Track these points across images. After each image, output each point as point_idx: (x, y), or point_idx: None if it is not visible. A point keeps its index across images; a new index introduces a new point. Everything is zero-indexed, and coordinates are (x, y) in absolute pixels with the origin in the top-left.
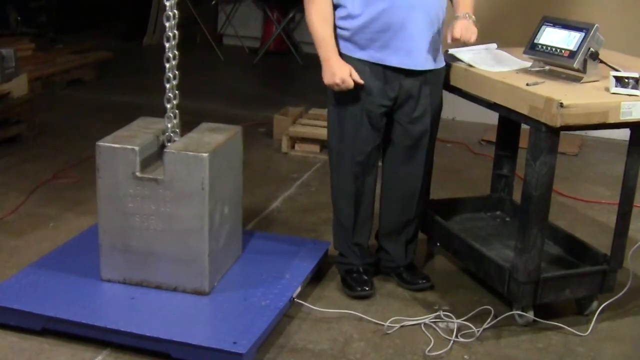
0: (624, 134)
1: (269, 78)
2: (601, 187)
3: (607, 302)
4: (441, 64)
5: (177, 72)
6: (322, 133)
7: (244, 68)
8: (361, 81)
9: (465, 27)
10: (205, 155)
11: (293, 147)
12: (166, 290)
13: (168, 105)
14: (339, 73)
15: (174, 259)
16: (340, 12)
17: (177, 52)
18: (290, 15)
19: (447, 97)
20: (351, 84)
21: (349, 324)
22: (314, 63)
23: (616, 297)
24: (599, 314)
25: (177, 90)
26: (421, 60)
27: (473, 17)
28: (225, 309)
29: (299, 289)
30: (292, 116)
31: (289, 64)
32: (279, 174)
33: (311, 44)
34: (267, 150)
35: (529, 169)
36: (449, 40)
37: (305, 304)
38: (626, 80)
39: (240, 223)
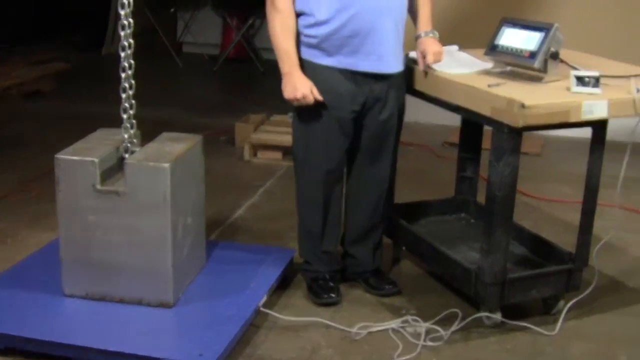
0: (586, 132)
1: (229, 85)
2: (565, 186)
3: (574, 301)
4: (403, 66)
5: (133, 82)
6: (285, 140)
7: (204, 76)
8: (320, 98)
9: (437, 52)
10: (166, 165)
11: (255, 154)
12: (130, 304)
13: (125, 116)
14: (300, 88)
15: (137, 271)
16: (305, 20)
17: (133, 62)
18: (250, 21)
19: (410, 100)
20: (311, 100)
21: (316, 331)
22: (275, 69)
23: (582, 295)
24: (565, 313)
25: (135, 99)
26: (390, 63)
27: (436, 33)
28: (190, 320)
29: (264, 298)
30: (253, 123)
31: (249, 70)
32: (242, 182)
33: (272, 50)
34: (229, 158)
35: (493, 170)
36: (422, 68)
37: (272, 312)
38: (587, 80)
39: (204, 233)
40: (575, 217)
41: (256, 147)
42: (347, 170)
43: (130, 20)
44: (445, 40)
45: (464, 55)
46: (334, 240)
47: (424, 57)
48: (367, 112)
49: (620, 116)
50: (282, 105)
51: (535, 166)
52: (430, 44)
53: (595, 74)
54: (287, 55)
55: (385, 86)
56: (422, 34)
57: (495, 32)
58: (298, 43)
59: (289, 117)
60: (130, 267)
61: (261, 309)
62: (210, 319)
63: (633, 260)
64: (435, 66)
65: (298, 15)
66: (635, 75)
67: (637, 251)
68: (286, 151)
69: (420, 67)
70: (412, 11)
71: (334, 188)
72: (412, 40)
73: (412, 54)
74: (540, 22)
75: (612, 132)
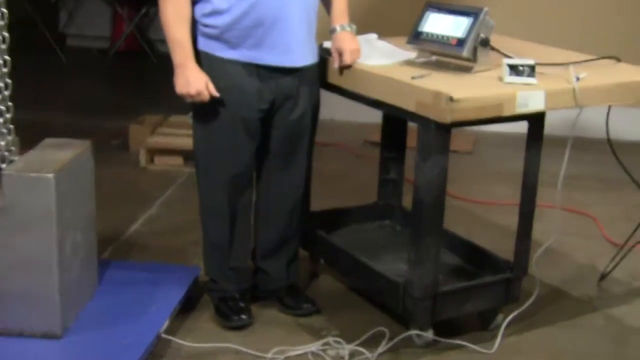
0: (522, 127)
1: (121, 83)
2: (500, 186)
3: (513, 314)
4: (317, 58)
5: (9, 81)
6: (186, 143)
7: (92, 72)
8: (217, 94)
9: (354, 50)
10: (50, 176)
11: (152, 160)
12: (10, 337)
13: (0, 120)
14: (194, 83)
15: (19, 297)
16: (203, 8)
17: (8, 58)
18: (143, 10)
19: (325, 95)
20: (206, 97)
21: (226, 358)
22: (172, 64)
23: (523, 307)
24: (505, 327)
25: (11, 101)
26: (299, 56)
27: (353, 26)
28: (81, 353)
29: (166, 323)
30: (149, 125)
31: (144, 65)
32: (138, 192)
33: None
34: (122, 165)
35: (419, 171)
36: (336, 66)
37: (175, 339)
38: (521, 68)
39: (95, 251)
40: (512, 221)
41: (153, 152)
42: (256, 176)
43: (4, 10)
44: (363, 28)
45: (384, 45)
46: (244, 254)
47: (340, 54)
48: (276, 110)
49: (559, 108)
50: (182, 104)
51: (466, 165)
52: (346, 40)
53: (530, 62)
54: (180, 45)
55: (296, 81)
56: (338, 28)
57: (419, 18)
58: (195, 33)
59: (189, 118)
60: (11, 293)
61: (163, 335)
62: (104, 349)
63: (577, 266)
64: None
65: (194, 2)
66: (575, 62)
67: (582, 256)
68: (187, 156)
69: (335, 65)
70: (326, 2)
71: (241, 196)
72: (326, 29)
73: (327, 44)
74: (468, 6)
75: (551, 125)
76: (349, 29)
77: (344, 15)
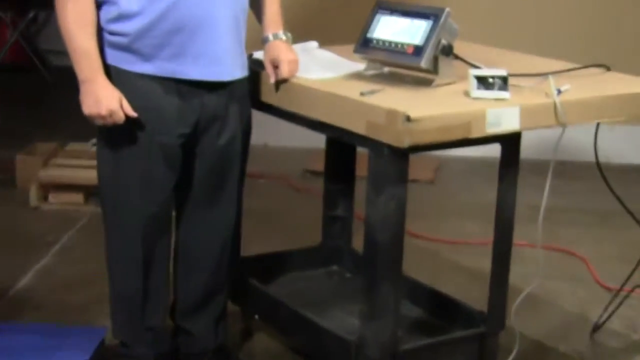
0: (493, 150)
1: (5, 103)
2: (468, 221)
3: None
4: (247, 71)
5: None
6: (87, 176)
7: None
8: (134, 114)
9: (292, 61)
10: None
11: (46, 198)
12: None
13: None
14: (105, 101)
15: None
16: (108, 12)
17: None
18: (31, 15)
19: (256, 116)
20: (121, 118)
21: None
22: (70, 79)
23: None
24: None
25: None
26: (228, 68)
27: (289, 35)
28: None
29: None
30: (42, 155)
31: (33, 81)
32: (28, 238)
33: (64, 52)
34: (8, 204)
35: (372, 206)
36: (272, 80)
37: None
38: (491, 80)
39: None
40: (485, 264)
41: (47, 188)
42: (176, 215)
43: None
44: (300, 35)
45: (326, 55)
46: (161, 311)
47: (275, 67)
48: (200, 135)
49: (538, 127)
50: (82, 128)
51: (428, 198)
52: (282, 50)
53: (502, 72)
54: (87, 56)
55: (224, 99)
56: (271, 37)
57: (368, 22)
58: (101, 44)
59: (91, 145)
60: None
61: None
62: None
63: (565, 316)
64: None
65: (98, 5)
66: (555, 72)
67: (570, 304)
68: (90, 192)
69: (271, 79)
70: (255, 6)
71: (158, 240)
72: (254, 37)
73: (258, 55)
74: (426, 6)
75: (528, 148)
76: (284, 37)
77: (277, 22)
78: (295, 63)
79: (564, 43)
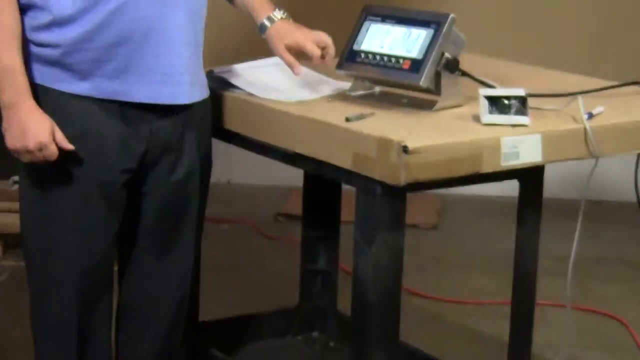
0: (509, 187)
1: None
2: (480, 276)
3: None
4: (207, 92)
5: None
6: (6, 222)
7: None
8: (70, 146)
9: (318, 40)
10: None
11: None
12: None
13: None
14: (33, 132)
15: None
16: (35, 19)
17: None
18: None
19: (218, 147)
20: (53, 153)
21: None
22: None
23: None
24: None
25: None
26: (184, 87)
27: (285, 12)
28: None
29: None
30: None
31: None
32: None
33: None
34: None
35: (361, 257)
36: (297, 72)
37: None
38: (506, 102)
39: None
40: (501, 328)
41: None
42: (118, 270)
43: None
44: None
45: (304, 71)
46: None
47: (298, 52)
48: (149, 170)
49: (565, 159)
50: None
51: (431, 247)
52: (293, 31)
53: (520, 92)
54: (10, 75)
55: (179, 126)
56: (267, 22)
57: (354, 32)
58: (25, 59)
59: (12, 184)
60: None
61: None
62: None
63: None
64: (257, 91)
65: (22, 9)
66: (585, 92)
67: None
68: (10, 243)
69: (295, 70)
70: None
71: (97, 301)
72: (215, 51)
73: (219, 71)
74: (426, 12)
75: (553, 185)
76: (282, 15)
77: (268, 2)
78: (324, 37)
79: (594, 55)
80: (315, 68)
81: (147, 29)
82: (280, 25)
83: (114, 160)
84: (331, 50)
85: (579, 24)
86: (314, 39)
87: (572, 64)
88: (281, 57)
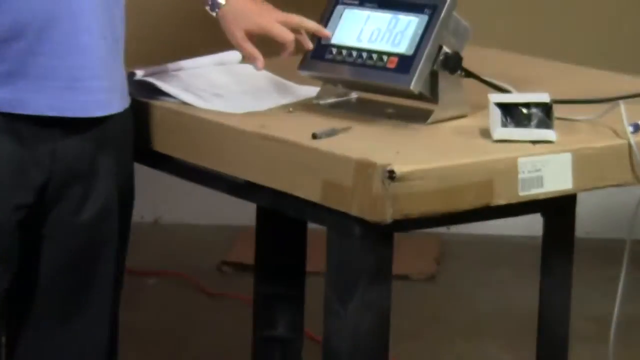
0: (530, 224)
1: None
2: (491, 343)
3: None
4: (128, 101)
5: None
6: None
7: None
8: None
9: (283, 19)
10: None
11: None
12: None
13: None
14: None
15: None
16: None
17: None
18: None
19: (142, 175)
20: None
21: None
22: None
23: None
24: None
25: None
26: (98, 95)
27: None
28: None
29: None
30: None
31: None
32: None
33: None
34: None
35: (334, 320)
36: (260, 66)
37: None
38: (524, 111)
39: None
40: None
41: None
42: (7, 341)
43: None
44: (213, 44)
45: (256, 74)
46: None
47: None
48: (51, 206)
49: (603, 186)
50: None
51: (426, 304)
52: (259, 12)
53: (543, 97)
54: None
55: (90, 147)
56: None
57: (323, 19)
58: None
59: None
60: None
61: None
62: None
63: None
64: (196, 101)
65: None
66: (628, 97)
67: None
68: None
69: (257, 65)
70: None
71: None
72: (139, 45)
73: (141, 74)
74: None
75: (588, 221)
76: None
77: None
78: (296, 19)
79: (633, 48)
80: (270, 67)
81: (48, 18)
82: (239, 3)
83: (3, 193)
84: (307, 39)
85: (618, 8)
86: (283, 21)
87: (609, 60)
88: (239, 46)
